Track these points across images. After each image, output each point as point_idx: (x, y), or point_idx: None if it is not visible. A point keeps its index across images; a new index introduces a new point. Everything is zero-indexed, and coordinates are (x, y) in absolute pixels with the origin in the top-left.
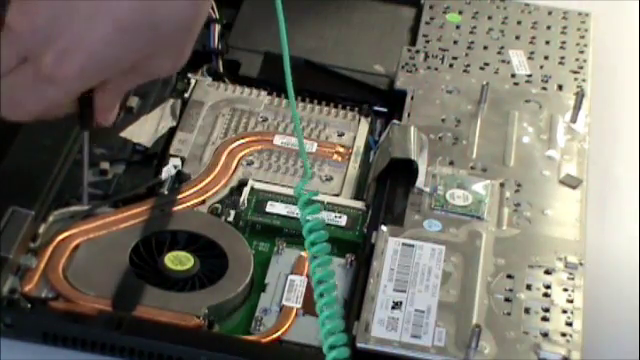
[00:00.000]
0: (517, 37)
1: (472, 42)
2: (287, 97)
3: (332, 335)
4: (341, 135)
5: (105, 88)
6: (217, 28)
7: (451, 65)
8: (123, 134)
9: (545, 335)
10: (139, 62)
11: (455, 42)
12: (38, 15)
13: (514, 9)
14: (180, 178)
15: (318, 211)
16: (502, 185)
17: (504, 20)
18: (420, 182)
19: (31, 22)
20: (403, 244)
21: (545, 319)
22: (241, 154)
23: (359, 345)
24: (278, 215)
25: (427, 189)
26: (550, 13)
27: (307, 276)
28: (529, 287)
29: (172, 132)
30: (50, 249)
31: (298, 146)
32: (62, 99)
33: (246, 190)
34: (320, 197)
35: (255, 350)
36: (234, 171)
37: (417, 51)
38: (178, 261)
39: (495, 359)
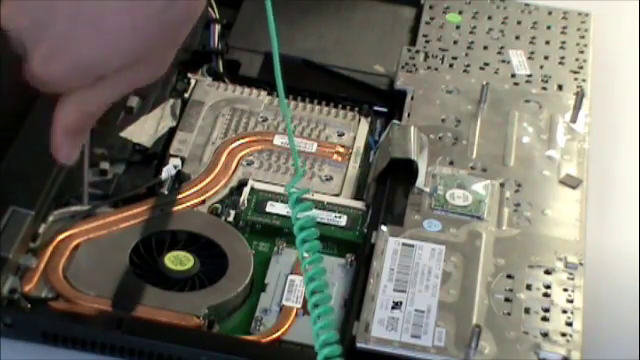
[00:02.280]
0: (517, 37)
1: (472, 42)
2: (287, 97)
3: (327, 346)
4: (341, 135)
5: (72, 100)
6: (217, 28)
7: (451, 65)
8: (123, 134)
9: (545, 335)
10: (121, 68)
11: (455, 42)
12: (22, 18)
13: (514, 9)
14: (180, 178)
15: (309, 209)
16: (502, 185)
17: (504, 20)
18: (420, 182)
19: (17, 22)
20: (403, 244)
21: (545, 319)
22: (241, 154)
23: (359, 345)
24: (278, 215)
25: (427, 189)
26: (550, 13)
27: None
28: (529, 287)
29: (172, 132)
30: (50, 249)
31: (289, 144)
32: (54, 91)
33: (246, 190)
34: (320, 197)
35: (255, 350)
36: (234, 171)
37: (417, 51)
38: (178, 261)
39: (495, 359)
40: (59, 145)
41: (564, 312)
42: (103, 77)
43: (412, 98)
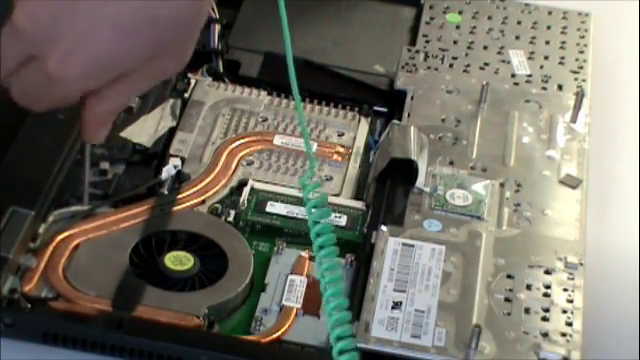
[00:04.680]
0: (517, 37)
1: (472, 42)
2: (287, 97)
3: (341, 340)
4: (341, 135)
5: (103, 95)
6: (217, 28)
7: (451, 65)
8: (123, 134)
9: (545, 335)
10: (142, 64)
11: (455, 42)
12: (41, 16)
13: (514, 9)
14: (180, 178)
15: (328, 215)
16: (502, 185)
17: (504, 20)
18: (420, 182)
19: (34, 22)
20: (403, 244)
21: (545, 319)
22: (241, 154)
23: (359, 345)
24: (278, 215)
25: (427, 189)
26: (550, 13)
27: (307, 276)
28: (529, 287)
29: (172, 132)
30: (50, 249)
31: (303, 139)
32: (68, 97)
33: (246, 190)
34: None
35: (255, 350)
36: (234, 171)
37: (417, 51)
38: (178, 261)
39: (495, 359)
40: (90, 134)
41: (564, 312)
42: (121, 75)
43: (412, 98)
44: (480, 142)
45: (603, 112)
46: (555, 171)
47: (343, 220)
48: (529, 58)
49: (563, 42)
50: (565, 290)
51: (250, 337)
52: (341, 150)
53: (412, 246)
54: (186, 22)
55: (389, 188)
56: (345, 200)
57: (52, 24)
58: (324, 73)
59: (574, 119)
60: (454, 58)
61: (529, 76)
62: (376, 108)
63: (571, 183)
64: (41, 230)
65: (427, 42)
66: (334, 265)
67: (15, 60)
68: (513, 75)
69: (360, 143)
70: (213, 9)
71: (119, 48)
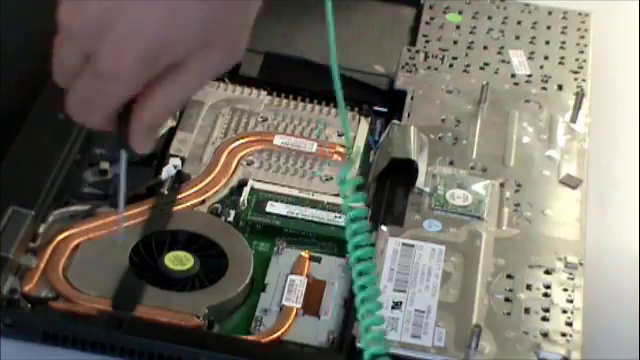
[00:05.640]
0: (517, 37)
1: (472, 42)
2: (287, 97)
3: (374, 344)
4: (341, 135)
5: (150, 97)
6: None
7: (451, 65)
8: None
9: (545, 335)
10: (192, 51)
11: (455, 42)
12: (88, 9)
13: (514, 9)
14: (180, 178)
15: (362, 200)
16: (502, 185)
17: (504, 20)
18: (420, 182)
19: (82, 17)
20: (403, 244)
21: (545, 319)
22: (241, 154)
23: (359, 345)
24: (278, 215)
25: (427, 189)
26: (550, 13)
27: (307, 276)
28: (529, 287)
29: (172, 132)
30: (50, 249)
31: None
32: (125, 94)
33: (246, 190)
34: (320, 197)
35: (255, 350)
36: (234, 171)
37: (417, 51)
38: (178, 261)
39: (495, 359)
40: (139, 141)
41: (564, 312)
42: (175, 64)
43: (412, 98)
44: (480, 142)
45: (603, 112)
46: (555, 171)
47: (343, 220)
48: (529, 58)
49: (563, 42)
50: (565, 290)
51: (250, 337)
52: (341, 150)
53: (412, 246)
54: (238, 6)
55: (389, 188)
56: None
57: (101, 15)
58: (324, 73)
59: (574, 119)
60: (454, 58)
61: (529, 76)
62: (376, 108)
63: (571, 183)
64: (41, 230)
65: (427, 42)
66: (369, 267)
67: (73, 60)
68: (513, 75)
69: (360, 143)
70: None
71: (171, 30)
